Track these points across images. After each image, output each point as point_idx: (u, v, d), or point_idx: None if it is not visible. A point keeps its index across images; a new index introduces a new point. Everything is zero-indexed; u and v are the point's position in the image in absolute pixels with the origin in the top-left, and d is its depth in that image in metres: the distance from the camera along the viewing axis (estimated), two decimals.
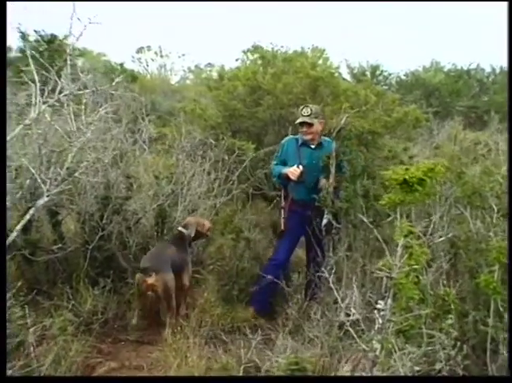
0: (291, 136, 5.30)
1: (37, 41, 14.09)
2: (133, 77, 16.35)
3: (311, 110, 4.85)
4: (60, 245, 4.97)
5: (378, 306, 2.33)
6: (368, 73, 19.89)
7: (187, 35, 42.99)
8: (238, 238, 5.29)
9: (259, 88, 8.15)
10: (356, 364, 2.54)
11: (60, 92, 3.65)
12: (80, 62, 18.33)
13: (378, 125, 6.50)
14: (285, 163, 4.99)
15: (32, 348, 3.37)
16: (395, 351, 2.40)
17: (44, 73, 3.68)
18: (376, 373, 2.23)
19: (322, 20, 48.11)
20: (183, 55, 26.84)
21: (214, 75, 17.05)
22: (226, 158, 6.56)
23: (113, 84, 4.11)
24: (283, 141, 5.23)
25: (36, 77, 3.57)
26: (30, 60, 3.62)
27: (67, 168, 3.91)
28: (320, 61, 13.22)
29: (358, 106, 7.34)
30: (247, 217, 5.85)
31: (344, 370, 2.59)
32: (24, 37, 16.24)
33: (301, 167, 4.76)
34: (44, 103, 3.64)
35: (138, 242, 5.24)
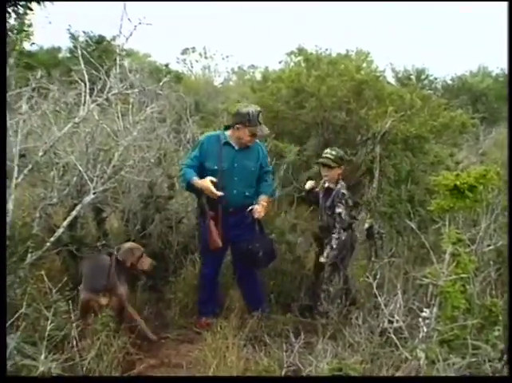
0: (211, 133, 4.70)
1: (86, 41, 14.40)
2: (178, 78, 16.56)
3: (262, 115, 4.35)
4: (103, 242, 5.06)
5: (423, 314, 2.28)
6: (413, 77, 19.60)
7: (232, 37, 43.26)
8: (279, 240, 5.27)
9: (303, 91, 8.10)
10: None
11: (108, 91, 3.70)
12: (126, 63, 18.69)
13: (424, 130, 6.36)
14: (201, 164, 4.36)
15: (75, 342, 3.43)
16: (439, 361, 2.35)
17: (94, 72, 3.75)
18: None
19: (367, 23, 47.70)
20: (227, 56, 27.02)
21: (258, 77, 17.12)
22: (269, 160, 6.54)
23: (160, 84, 4.11)
24: (202, 138, 4.58)
25: (86, 77, 3.63)
26: (81, 59, 3.69)
27: (113, 166, 3.96)
28: (365, 64, 13.08)
29: (403, 110, 7.24)
30: (289, 220, 5.80)
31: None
32: (74, 37, 16.70)
33: (215, 192, 4.15)
34: (93, 102, 3.70)
35: (179, 241, 5.29)
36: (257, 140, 4.54)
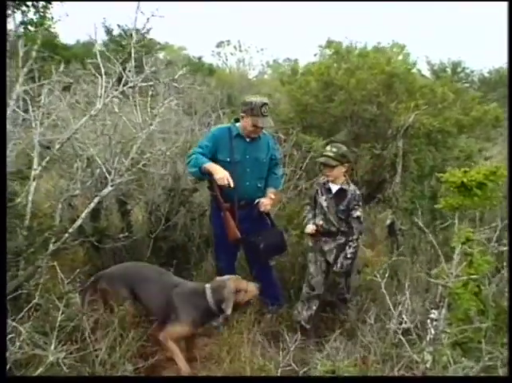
0: (222, 126, 4.65)
1: (120, 35, 14.52)
2: (210, 71, 16.59)
3: (268, 108, 4.28)
4: (126, 233, 5.10)
5: (431, 316, 2.20)
6: (448, 70, 19.15)
7: (267, 30, 43.08)
8: (302, 234, 5.21)
9: (332, 84, 8.01)
10: None
11: (124, 84, 3.71)
12: (161, 55, 18.87)
13: (449, 124, 6.18)
14: (213, 155, 4.31)
15: (88, 333, 3.47)
16: (450, 364, 2.27)
17: (110, 66, 3.75)
18: None
19: (404, 15, 46.88)
20: (262, 50, 26.95)
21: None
22: (295, 153, 6.49)
23: (176, 76, 4.09)
24: (212, 130, 4.62)
25: (102, 69, 3.65)
26: (97, 52, 3.70)
27: (131, 159, 3.98)
28: (400, 57, 12.84)
29: (434, 104, 7.09)
30: None
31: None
32: (108, 31, 16.89)
33: (231, 181, 4.10)
34: (116, 91, 3.72)
35: (202, 233, 5.30)
36: (266, 132, 4.58)
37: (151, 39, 15.65)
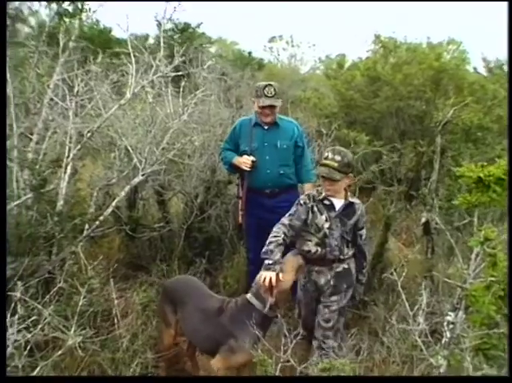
0: (245, 117, 4.74)
1: (172, 29, 14.70)
2: (260, 65, 16.57)
3: (275, 90, 4.23)
4: (162, 224, 5.15)
5: (448, 318, 2.11)
6: (505, 67, 18.44)
7: (320, 25, 42.65)
8: None
9: (378, 79, 7.87)
10: None
11: (154, 74, 3.73)
12: (213, 49, 19.00)
13: (488, 120, 5.92)
14: (237, 146, 4.43)
15: (116, 319, 3.52)
16: (471, 370, 2.17)
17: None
18: None
19: (460, 12, 45.56)
20: (314, 45, 26.64)
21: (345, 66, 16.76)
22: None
23: (205, 66, 4.09)
24: (236, 122, 4.64)
25: (133, 59, 3.69)
26: (129, 42, 3.73)
27: (162, 149, 4.00)
28: (456, 54, 12.47)
29: (484, 101, 6.85)
30: None
31: None
32: (160, 25, 17.06)
33: (252, 157, 4.25)
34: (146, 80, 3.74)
35: (235, 226, 5.28)
36: (292, 120, 4.61)
37: (202, 33, 15.82)
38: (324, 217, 3.41)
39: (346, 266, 3.48)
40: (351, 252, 3.48)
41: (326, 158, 3.36)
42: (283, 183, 4.37)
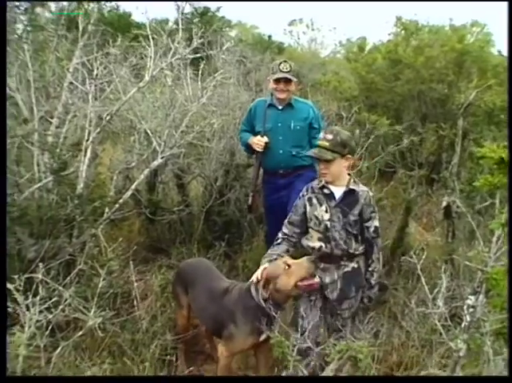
0: (261, 98, 4.76)
1: (191, 13, 14.66)
2: (280, 49, 16.46)
3: (290, 66, 4.25)
4: (181, 207, 5.17)
5: (468, 302, 2.09)
6: None
7: (340, 8, 42.13)
8: None
9: (400, 62, 7.74)
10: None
11: (172, 56, 3.72)
12: (232, 33, 18.90)
13: None
14: (253, 127, 4.47)
15: (135, 301, 3.55)
16: (492, 354, 2.15)
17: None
18: (460, 374, 2.01)
19: None
20: (334, 28, 26.39)
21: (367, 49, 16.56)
22: (358, 132, 6.33)
23: (224, 48, 4.07)
24: (252, 103, 4.68)
25: (151, 41, 3.68)
26: (147, 24, 3.72)
27: (181, 132, 4.00)
28: (480, 37, 12.24)
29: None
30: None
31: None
32: (179, 8, 16.99)
33: (265, 137, 4.25)
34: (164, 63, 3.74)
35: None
36: (308, 102, 4.60)
37: (222, 17, 15.74)
38: (323, 208, 3.13)
39: (356, 265, 3.14)
40: (361, 247, 3.13)
41: (319, 138, 3.15)
42: (296, 164, 4.36)
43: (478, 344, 2.04)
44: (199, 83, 4.34)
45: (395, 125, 6.92)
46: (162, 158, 3.89)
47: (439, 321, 2.38)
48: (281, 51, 16.24)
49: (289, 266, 2.92)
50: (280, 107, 4.37)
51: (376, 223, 3.13)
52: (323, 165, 3.09)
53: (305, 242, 3.23)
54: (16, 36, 4.07)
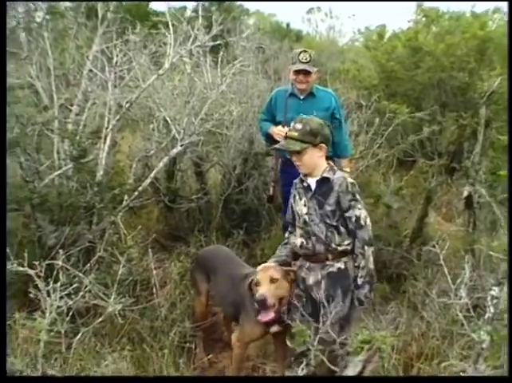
0: (281, 87, 4.66)
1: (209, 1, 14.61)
2: (298, 37, 16.36)
3: (310, 56, 4.13)
4: (200, 195, 5.17)
5: (491, 293, 2.05)
6: None
7: None
8: (376, 203, 5.07)
9: (420, 50, 7.63)
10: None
11: (192, 43, 3.70)
12: (250, 21, 18.82)
13: None
14: (273, 117, 4.35)
15: (155, 288, 3.57)
16: None
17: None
18: (482, 367, 1.98)
19: None
20: (353, 15, 26.15)
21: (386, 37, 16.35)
22: (378, 120, 6.27)
23: (244, 35, 4.05)
24: (273, 92, 4.56)
25: (171, 29, 3.66)
26: (166, 11, 3.71)
27: (201, 119, 3.99)
28: (502, 23, 12.02)
29: None
30: (389, 183, 5.52)
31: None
32: None
33: (286, 127, 3.91)
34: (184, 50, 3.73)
35: None
36: (329, 91, 4.52)
37: (240, 5, 15.69)
38: (302, 202, 2.98)
39: (342, 267, 2.87)
40: (347, 242, 2.86)
41: (289, 129, 3.02)
42: None
43: (501, 336, 2.01)
44: (219, 70, 4.30)
45: (415, 114, 6.86)
46: (181, 146, 3.88)
47: (460, 312, 2.36)
48: (299, 39, 16.13)
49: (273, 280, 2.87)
50: (301, 96, 4.30)
51: (357, 212, 2.82)
52: (295, 157, 2.93)
53: (292, 239, 3.07)
54: (36, 24, 4.09)
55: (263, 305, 2.79)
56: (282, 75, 7.02)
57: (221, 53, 4.53)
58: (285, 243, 3.15)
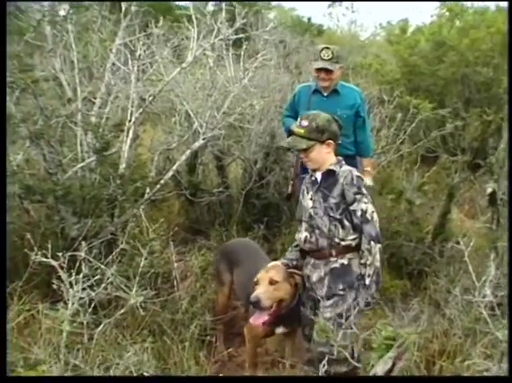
0: (305, 83, 4.57)
1: None
2: (319, 31, 16.27)
3: (332, 53, 4.00)
4: (221, 189, 5.18)
5: None
6: None
7: None
8: (398, 199, 5.03)
9: (444, 44, 7.55)
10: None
11: (215, 37, 3.70)
12: (271, 16, 18.77)
13: None
14: (296, 113, 4.13)
15: (176, 281, 3.59)
16: None
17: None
18: (506, 366, 1.96)
19: None
20: (371, 13, 26.04)
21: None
22: (400, 116, 6.22)
23: (267, 28, 4.04)
24: (296, 88, 4.47)
25: (194, 22, 3.66)
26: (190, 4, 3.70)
27: (223, 113, 3.99)
28: None
29: None
30: (411, 179, 5.46)
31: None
32: None
33: None
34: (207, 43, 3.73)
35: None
36: (355, 88, 4.43)
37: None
38: (309, 196, 2.92)
39: (345, 262, 2.81)
40: (351, 237, 2.79)
41: (295, 126, 2.92)
42: (340, 154, 4.10)
43: None
44: (241, 64, 4.30)
45: (438, 110, 6.79)
46: (203, 139, 3.88)
47: (484, 310, 2.33)
48: (320, 33, 16.03)
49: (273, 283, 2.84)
50: (325, 93, 4.20)
51: (363, 205, 2.74)
52: (302, 154, 2.90)
53: (297, 235, 3.05)
54: (61, 17, 4.11)
55: (257, 306, 2.78)
56: (303, 69, 6.99)
57: (244, 46, 4.51)
58: (296, 246, 3.10)
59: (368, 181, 4.13)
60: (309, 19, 17.70)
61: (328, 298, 2.81)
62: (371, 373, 1.90)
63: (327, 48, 4.06)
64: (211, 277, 3.80)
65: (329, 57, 4.02)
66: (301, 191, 3.03)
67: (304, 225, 2.92)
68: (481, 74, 7.19)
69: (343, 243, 2.80)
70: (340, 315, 2.72)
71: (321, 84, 4.15)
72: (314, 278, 2.88)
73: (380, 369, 1.87)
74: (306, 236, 2.89)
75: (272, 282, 2.83)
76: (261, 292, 2.79)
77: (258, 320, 2.81)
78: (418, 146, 6.30)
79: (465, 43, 7.17)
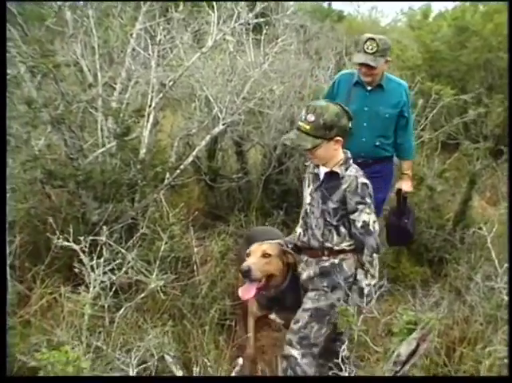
0: (346, 71, 4.10)
1: None
2: (339, 17, 16.13)
3: (377, 45, 3.50)
4: (240, 175, 5.19)
5: None
6: None
7: None
8: (419, 185, 4.99)
9: (466, 29, 7.43)
10: None
11: (236, 21, 3.68)
12: (291, 2, 18.65)
13: None
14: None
15: (195, 266, 3.61)
16: None
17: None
18: None
19: None
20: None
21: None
22: (421, 102, 6.15)
23: (288, 12, 4.00)
24: (336, 76, 4.01)
25: (215, 7, 3.64)
26: None
27: (243, 98, 3.97)
28: None
29: None
30: (432, 166, 5.40)
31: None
32: None
33: None
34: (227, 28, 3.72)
35: None
36: (402, 82, 3.94)
37: None
38: (309, 189, 2.75)
39: (336, 262, 2.67)
40: (346, 243, 2.66)
41: (300, 119, 2.61)
42: (378, 155, 3.86)
43: None
44: (262, 49, 4.28)
45: (460, 96, 6.69)
46: (223, 125, 3.88)
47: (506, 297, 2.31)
48: (340, 19, 15.88)
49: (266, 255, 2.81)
50: (368, 87, 3.78)
51: (365, 217, 2.56)
52: (307, 152, 2.64)
53: (296, 228, 2.94)
54: (81, 2, 4.12)
55: (247, 275, 2.72)
56: (323, 55, 6.94)
57: (264, 31, 4.48)
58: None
59: (407, 187, 4.00)
60: (329, 4, 17.53)
61: (312, 290, 2.73)
62: (395, 354, 1.89)
63: (372, 39, 3.56)
64: (231, 262, 3.81)
65: (373, 50, 3.54)
66: (304, 179, 2.88)
67: (301, 219, 2.83)
68: (504, 60, 7.05)
69: (336, 248, 2.67)
70: (317, 311, 2.66)
71: (363, 78, 3.75)
72: (304, 276, 2.79)
73: (403, 350, 1.86)
74: (300, 233, 2.81)
75: (265, 255, 2.80)
76: (253, 262, 2.75)
77: (247, 294, 2.77)
78: (439, 132, 6.22)
79: (488, 28, 7.05)
